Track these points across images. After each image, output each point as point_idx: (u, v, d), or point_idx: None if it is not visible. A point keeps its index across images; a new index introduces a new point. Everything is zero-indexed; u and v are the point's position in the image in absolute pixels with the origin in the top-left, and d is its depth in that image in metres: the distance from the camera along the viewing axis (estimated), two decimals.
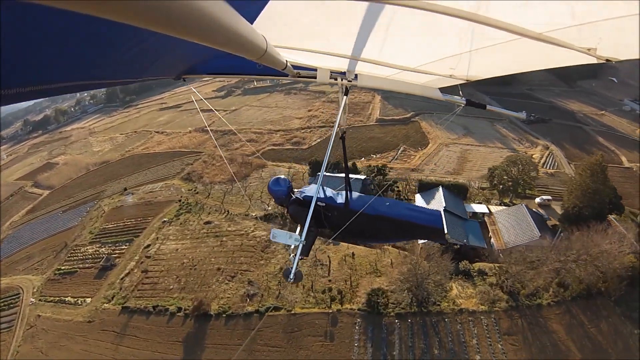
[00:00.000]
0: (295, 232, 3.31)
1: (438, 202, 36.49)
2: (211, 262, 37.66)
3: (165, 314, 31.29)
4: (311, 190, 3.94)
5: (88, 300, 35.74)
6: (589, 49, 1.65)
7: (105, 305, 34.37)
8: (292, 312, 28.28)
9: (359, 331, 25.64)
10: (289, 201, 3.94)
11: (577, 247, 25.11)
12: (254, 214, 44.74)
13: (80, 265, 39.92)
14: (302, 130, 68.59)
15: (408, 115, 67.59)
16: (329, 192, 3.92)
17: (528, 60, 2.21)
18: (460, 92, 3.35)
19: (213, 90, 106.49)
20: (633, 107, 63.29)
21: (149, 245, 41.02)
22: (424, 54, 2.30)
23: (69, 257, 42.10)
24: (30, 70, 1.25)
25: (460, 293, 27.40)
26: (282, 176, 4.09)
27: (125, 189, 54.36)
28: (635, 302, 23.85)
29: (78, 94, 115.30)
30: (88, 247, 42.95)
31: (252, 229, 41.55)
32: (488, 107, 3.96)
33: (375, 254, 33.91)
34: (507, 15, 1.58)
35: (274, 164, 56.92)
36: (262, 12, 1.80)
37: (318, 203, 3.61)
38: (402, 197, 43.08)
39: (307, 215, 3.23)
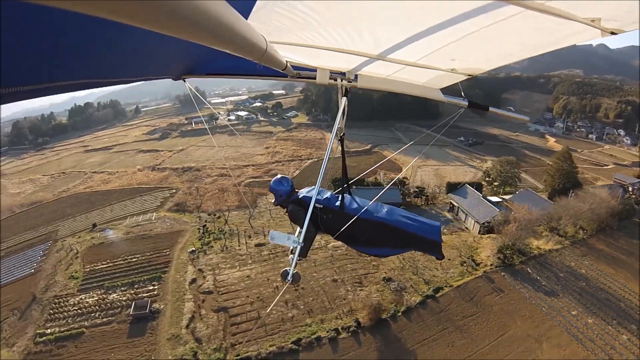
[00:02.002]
0: (294, 234, 3.48)
1: (472, 195, 48.41)
2: (315, 278, 36.58)
3: (319, 345, 27.28)
4: (311, 191, 3.83)
5: None
6: (592, 20, 1.60)
7: None
8: (454, 286, 32.68)
9: (510, 278, 33.00)
10: (289, 201, 3.90)
11: (588, 199, 40.95)
12: None
13: (86, 323, 30.64)
14: (273, 164, 72.15)
15: (368, 147, 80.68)
16: (328, 194, 3.85)
17: (531, 42, 2.14)
18: (462, 94, 3.46)
19: (144, 134, 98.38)
20: (536, 128, 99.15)
21: (194, 280, 35.60)
22: (422, 43, 2.20)
23: (51, 314, 32.17)
24: (30, 68, 1.29)
25: (538, 243, 38.62)
26: (285, 175, 4.06)
27: (95, 225, 48.39)
28: (625, 228, 40.72)
29: None
30: (83, 296, 34.24)
31: (323, 242, 41.98)
32: (491, 109, 3.99)
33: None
34: None
35: None
36: (256, 5, 1.79)
37: (315, 204, 3.55)
38: (429, 202, 53.18)
39: (305, 215, 3.26)
